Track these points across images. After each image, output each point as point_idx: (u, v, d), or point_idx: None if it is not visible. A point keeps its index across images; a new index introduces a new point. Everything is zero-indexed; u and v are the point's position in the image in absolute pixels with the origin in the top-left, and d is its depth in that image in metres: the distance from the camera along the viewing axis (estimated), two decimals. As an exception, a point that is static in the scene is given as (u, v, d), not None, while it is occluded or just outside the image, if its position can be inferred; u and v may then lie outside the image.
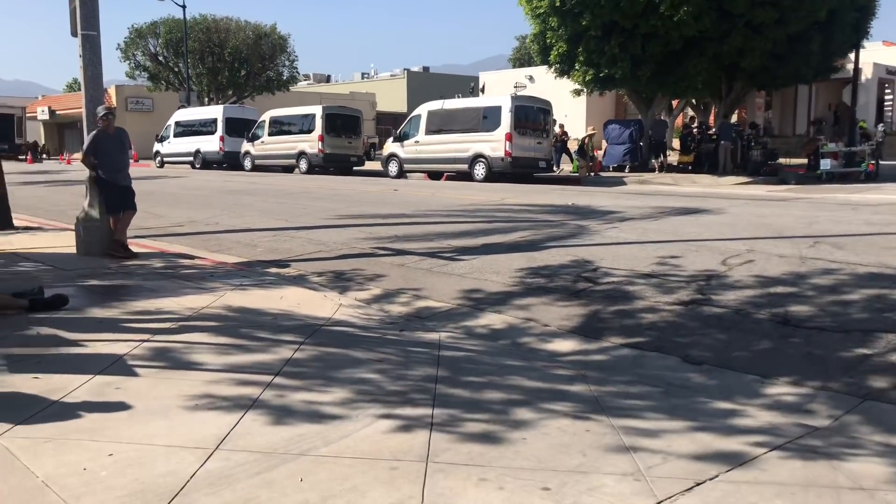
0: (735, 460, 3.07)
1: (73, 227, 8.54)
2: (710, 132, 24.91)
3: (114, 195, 8.16)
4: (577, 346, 4.95)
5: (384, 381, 4.04)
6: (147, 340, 4.70)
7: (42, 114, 51.74)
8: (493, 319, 5.66)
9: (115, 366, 4.18)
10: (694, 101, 26.94)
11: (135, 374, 4.05)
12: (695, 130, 25.43)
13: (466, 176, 22.50)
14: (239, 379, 3.98)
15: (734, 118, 27.47)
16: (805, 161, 23.41)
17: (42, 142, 49.90)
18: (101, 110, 8.08)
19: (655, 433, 3.35)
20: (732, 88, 24.86)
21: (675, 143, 26.51)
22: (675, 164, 24.64)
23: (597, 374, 4.28)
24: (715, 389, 4.06)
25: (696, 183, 20.73)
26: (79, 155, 8.98)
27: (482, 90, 38.17)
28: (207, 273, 7.20)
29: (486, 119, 22.23)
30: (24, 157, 38.72)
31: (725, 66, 21.94)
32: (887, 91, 36.29)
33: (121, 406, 3.56)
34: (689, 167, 23.94)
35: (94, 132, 8.07)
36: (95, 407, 3.54)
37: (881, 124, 29.53)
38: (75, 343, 4.67)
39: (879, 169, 20.95)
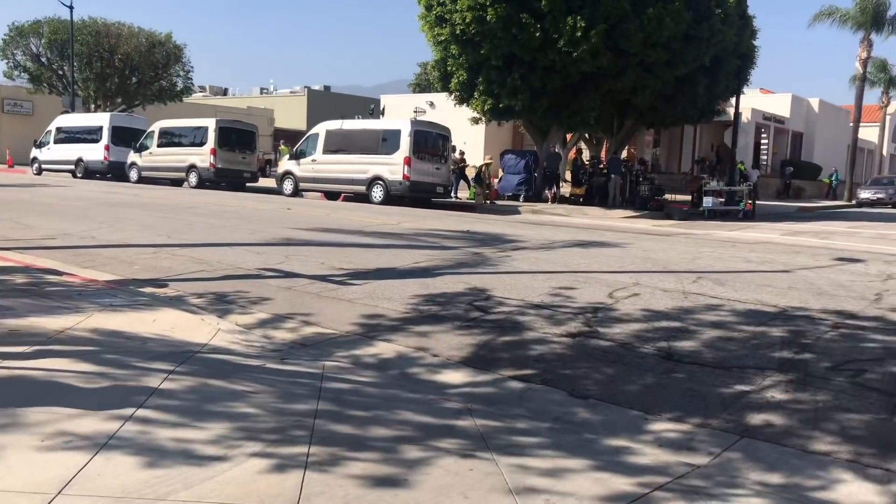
0: (624, 500, 3.01)
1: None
2: (602, 166, 25.84)
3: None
4: (467, 378, 4.83)
5: (261, 415, 3.77)
6: (-5, 366, 4.24)
7: None
8: (383, 348, 5.48)
9: (-47, 395, 3.72)
10: (587, 135, 27.82)
11: (-25, 406, 3.61)
12: (587, 164, 26.32)
13: (364, 198, 22.28)
14: (97, 413, 3.62)
15: (624, 154, 28.55)
16: (689, 198, 24.61)
17: None
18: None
19: (541, 472, 3.26)
20: (623, 125, 25.94)
21: (568, 176, 27.27)
22: (568, 195, 25.33)
23: (484, 408, 4.17)
24: (600, 425, 4.03)
25: (587, 215, 21.32)
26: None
27: (382, 113, 38.13)
28: (75, 291, 6.67)
29: (386, 142, 22.13)
30: None
31: (618, 104, 22.79)
32: (763, 135, 38.81)
33: (-47, 443, 3.15)
34: (581, 199, 24.68)
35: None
36: (-79, 444, 3.11)
37: (756, 170, 31.63)
38: None
39: (756, 209, 22.33)
